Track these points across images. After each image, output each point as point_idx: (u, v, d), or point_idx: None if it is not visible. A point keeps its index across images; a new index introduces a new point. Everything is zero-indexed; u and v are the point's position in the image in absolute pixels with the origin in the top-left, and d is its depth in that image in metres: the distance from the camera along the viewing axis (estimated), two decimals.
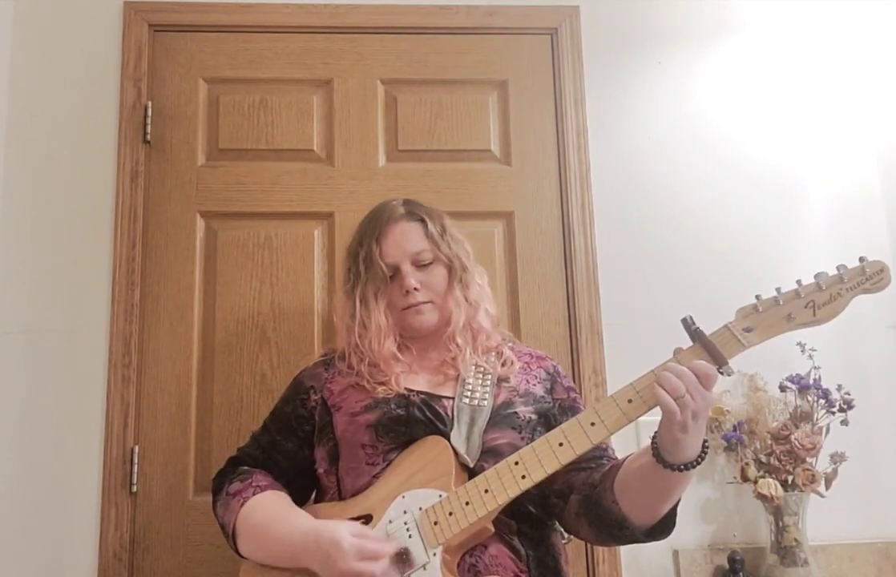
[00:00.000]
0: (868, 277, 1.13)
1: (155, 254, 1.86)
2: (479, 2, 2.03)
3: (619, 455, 1.31)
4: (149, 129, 1.90)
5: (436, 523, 1.17)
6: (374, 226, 1.43)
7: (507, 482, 1.17)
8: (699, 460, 1.12)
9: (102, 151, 1.89)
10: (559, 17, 2.05)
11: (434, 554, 1.15)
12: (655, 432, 1.14)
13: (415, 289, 1.38)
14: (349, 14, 2.00)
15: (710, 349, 1.14)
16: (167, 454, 1.77)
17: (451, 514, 1.17)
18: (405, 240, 1.41)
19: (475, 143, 1.98)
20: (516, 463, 1.18)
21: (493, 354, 1.41)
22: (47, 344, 1.79)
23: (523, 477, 1.16)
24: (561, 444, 1.16)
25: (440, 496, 1.19)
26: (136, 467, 1.75)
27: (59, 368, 1.79)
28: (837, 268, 1.15)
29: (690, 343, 1.17)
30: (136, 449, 1.76)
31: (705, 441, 1.14)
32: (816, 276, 1.16)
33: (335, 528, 1.17)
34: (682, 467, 1.11)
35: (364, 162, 1.94)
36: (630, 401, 1.15)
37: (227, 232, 1.89)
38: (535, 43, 2.05)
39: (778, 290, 1.16)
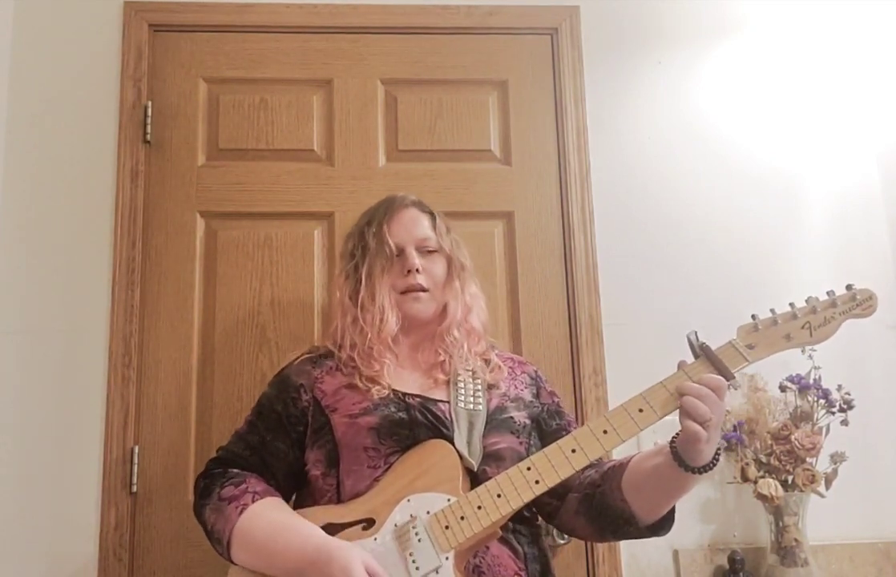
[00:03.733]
0: (858, 304, 1.23)
1: (155, 254, 1.86)
2: (479, 2, 2.03)
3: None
4: (149, 129, 1.90)
5: (447, 527, 1.16)
6: (384, 209, 1.47)
7: (521, 487, 1.17)
8: (715, 460, 1.17)
9: (102, 150, 1.89)
10: (559, 17, 2.05)
11: (447, 558, 1.14)
12: (674, 436, 1.18)
13: (417, 271, 1.40)
14: (349, 14, 2.00)
15: (717, 364, 1.19)
16: (167, 454, 1.77)
17: (462, 518, 1.16)
18: (414, 225, 1.45)
19: (475, 143, 1.98)
20: (528, 468, 1.18)
21: (481, 359, 1.43)
22: (47, 344, 1.79)
23: (537, 482, 1.17)
24: (574, 450, 1.18)
25: (448, 500, 1.18)
26: (136, 467, 1.75)
27: (59, 368, 1.78)
28: (828, 293, 1.24)
29: (692, 356, 1.21)
30: (136, 449, 1.76)
31: (718, 448, 1.19)
32: (808, 299, 1.24)
33: (351, 554, 1.12)
34: (702, 469, 1.16)
35: (364, 162, 1.94)
36: (641, 411, 1.18)
37: (227, 232, 1.89)
38: (535, 43, 2.05)
39: (773, 311, 1.24)
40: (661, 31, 2.08)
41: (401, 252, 1.42)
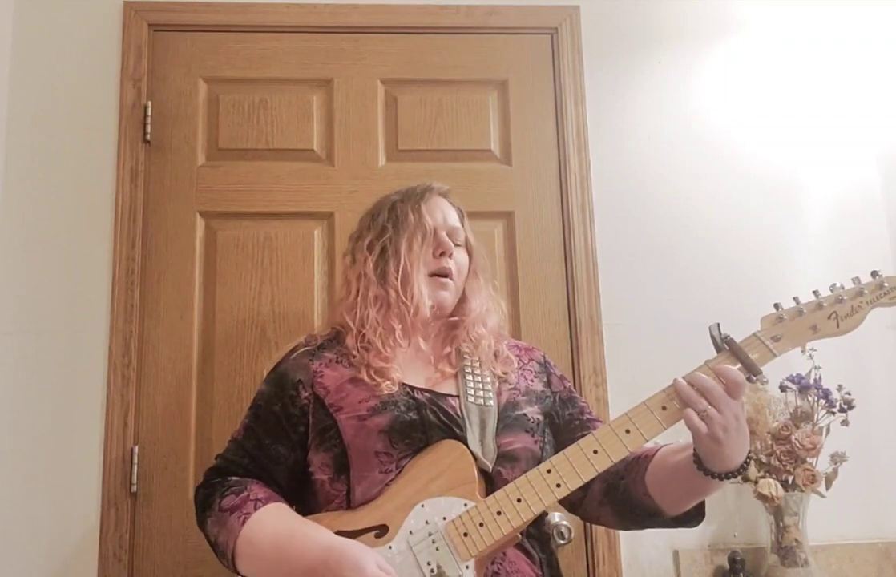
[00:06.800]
0: (886, 292, 1.16)
1: (155, 253, 1.86)
2: (479, 2, 2.03)
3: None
4: (149, 128, 1.90)
5: (466, 534, 1.11)
6: (420, 191, 1.43)
7: (542, 491, 1.12)
8: (740, 470, 1.11)
9: (102, 150, 1.89)
10: (559, 17, 2.05)
11: (467, 567, 1.10)
12: None
13: (450, 255, 1.37)
14: (349, 14, 2.00)
15: (742, 358, 1.13)
16: (167, 454, 1.77)
17: (482, 525, 1.11)
18: (448, 212, 1.43)
19: (475, 143, 1.98)
20: (549, 471, 1.14)
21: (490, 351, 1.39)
22: (47, 344, 1.79)
23: (558, 486, 1.12)
24: (596, 451, 1.14)
25: (465, 505, 1.14)
26: (136, 467, 1.75)
27: (59, 368, 1.78)
28: (853, 281, 1.17)
29: (714, 349, 1.16)
30: (136, 449, 1.76)
31: (749, 450, 1.12)
32: (833, 288, 1.18)
33: (362, 552, 1.08)
34: (723, 476, 1.11)
35: (364, 162, 1.94)
36: (664, 408, 1.13)
37: (227, 232, 1.89)
38: (535, 43, 2.05)
39: (797, 300, 1.18)
40: (661, 31, 2.08)
41: (434, 234, 1.37)
